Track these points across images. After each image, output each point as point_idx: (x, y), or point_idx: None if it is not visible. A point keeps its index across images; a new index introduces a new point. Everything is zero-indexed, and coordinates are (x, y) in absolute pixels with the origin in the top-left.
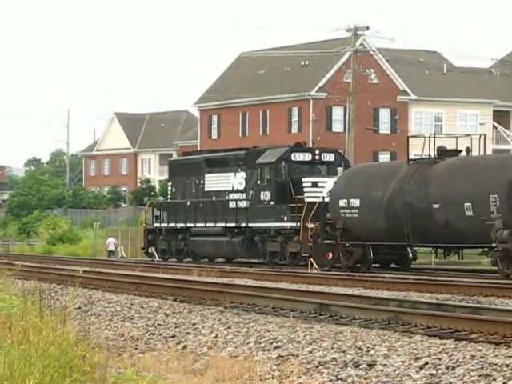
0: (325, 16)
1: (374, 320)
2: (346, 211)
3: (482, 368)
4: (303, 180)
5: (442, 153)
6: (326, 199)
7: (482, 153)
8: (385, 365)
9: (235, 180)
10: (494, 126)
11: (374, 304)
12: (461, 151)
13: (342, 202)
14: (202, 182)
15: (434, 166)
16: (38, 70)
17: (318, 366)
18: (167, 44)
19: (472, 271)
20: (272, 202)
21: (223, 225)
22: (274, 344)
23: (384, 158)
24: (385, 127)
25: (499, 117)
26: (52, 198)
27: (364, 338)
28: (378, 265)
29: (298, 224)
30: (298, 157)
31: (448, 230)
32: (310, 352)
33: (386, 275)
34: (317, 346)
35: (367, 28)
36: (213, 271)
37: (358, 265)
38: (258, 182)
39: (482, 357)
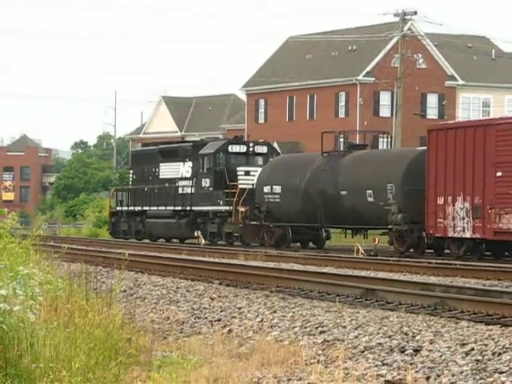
0: (372, 0)
1: (420, 305)
2: (270, 196)
3: None
4: (237, 169)
5: (351, 147)
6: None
7: None
8: (430, 350)
9: (184, 169)
10: None
11: (420, 289)
12: (367, 145)
13: (266, 189)
14: (157, 170)
15: (342, 159)
16: (86, 54)
17: (363, 351)
18: (215, 28)
19: None
20: (211, 188)
21: (172, 208)
22: (320, 329)
23: None
24: (432, 112)
25: None
26: (99, 181)
27: (410, 324)
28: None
29: (232, 207)
30: (234, 148)
31: (354, 214)
32: (356, 337)
33: (433, 260)
34: (362, 331)
35: (415, 13)
36: (259, 255)
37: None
38: (200, 170)
39: None
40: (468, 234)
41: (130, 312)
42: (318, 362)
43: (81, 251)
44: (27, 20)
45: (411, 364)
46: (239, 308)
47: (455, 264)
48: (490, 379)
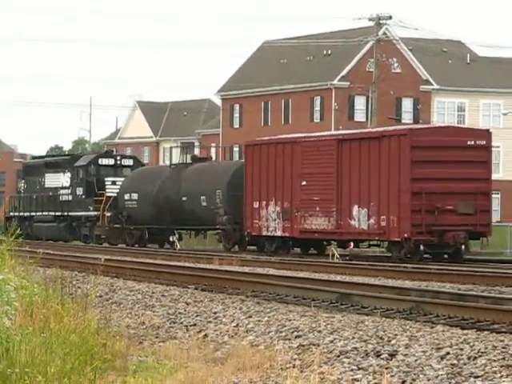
0: (347, 5)
1: (396, 310)
2: (129, 203)
3: (504, 358)
4: (105, 179)
5: (194, 159)
6: None
7: None
8: (406, 354)
9: (64, 179)
10: None
11: (396, 294)
12: (208, 158)
13: (127, 196)
14: (43, 180)
15: (186, 169)
16: (62, 59)
17: (339, 356)
18: (189, 32)
19: (495, 262)
20: (83, 196)
21: (54, 213)
22: (295, 333)
23: None
24: (407, 117)
25: None
26: None
27: (385, 328)
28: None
29: (99, 213)
30: (104, 161)
31: (192, 216)
32: (332, 341)
33: (408, 265)
34: (338, 335)
35: (390, 17)
36: (234, 260)
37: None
38: (75, 180)
39: (503, 347)
40: (279, 233)
41: (105, 317)
42: (293, 367)
43: (56, 256)
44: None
45: (387, 368)
46: (215, 313)
47: (430, 269)
48: (466, 383)
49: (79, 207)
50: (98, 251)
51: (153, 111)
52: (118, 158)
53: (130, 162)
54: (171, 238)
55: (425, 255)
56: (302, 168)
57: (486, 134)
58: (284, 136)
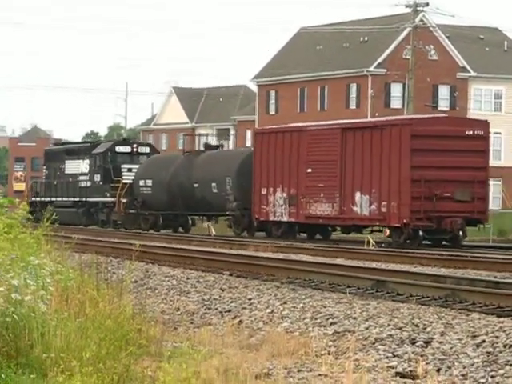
0: None
1: (431, 297)
2: (144, 189)
3: None
4: (122, 166)
5: (206, 147)
6: None
7: None
8: (441, 342)
9: (83, 165)
10: None
11: (431, 281)
12: (219, 146)
13: (141, 182)
14: (63, 166)
15: (198, 157)
16: (98, 45)
17: (374, 343)
18: (226, 18)
19: None
20: (101, 183)
21: (73, 199)
22: (330, 320)
23: None
24: (444, 104)
25: None
26: None
27: (421, 315)
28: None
29: (116, 199)
30: (121, 149)
31: (204, 202)
32: (367, 328)
33: (444, 252)
34: (373, 322)
35: (427, 4)
36: (269, 246)
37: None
38: (93, 167)
39: None
40: (285, 219)
41: (140, 303)
42: (328, 354)
43: (91, 242)
44: (36, 11)
45: (422, 356)
46: (249, 299)
47: (466, 256)
48: (501, 371)
49: (97, 193)
50: (133, 237)
51: (189, 97)
52: (135, 145)
53: (146, 149)
54: (205, 225)
55: (425, 241)
56: (307, 156)
57: (484, 124)
58: (291, 125)
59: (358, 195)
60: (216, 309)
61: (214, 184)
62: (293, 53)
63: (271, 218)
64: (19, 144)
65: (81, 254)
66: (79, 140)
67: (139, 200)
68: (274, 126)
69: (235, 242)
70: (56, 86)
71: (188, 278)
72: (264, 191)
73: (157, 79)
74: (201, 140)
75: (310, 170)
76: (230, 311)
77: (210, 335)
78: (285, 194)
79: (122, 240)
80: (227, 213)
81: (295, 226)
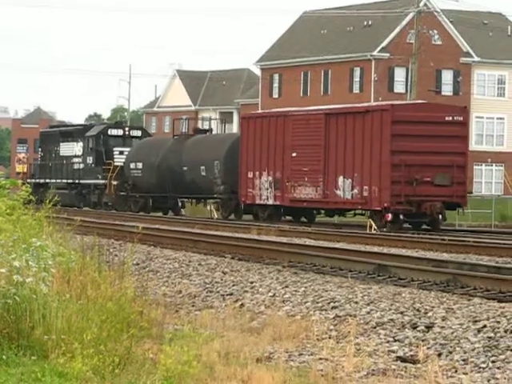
0: None
1: (433, 282)
2: (134, 171)
3: None
4: (114, 149)
5: (195, 131)
6: None
7: None
8: (443, 327)
9: (77, 148)
10: None
11: (433, 266)
12: (208, 130)
13: (132, 165)
14: (58, 148)
15: (187, 141)
16: (101, 27)
17: (375, 327)
18: (230, 2)
19: None
20: (93, 165)
21: (66, 181)
22: (332, 304)
23: None
24: (447, 89)
25: None
26: None
27: (422, 300)
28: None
29: (107, 181)
30: (113, 132)
31: (193, 186)
32: (368, 313)
33: (446, 237)
34: (375, 306)
35: None
36: (271, 230)
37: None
38: (86, 149)
39: None
40: (271, 202)
41: (142, 285)
42: (329, 338)
43: (93, 224)
44: None
45: (423, 340)
46: (251, 282)
47: (468, 241)
48: (502, 356)
49: (89, 175)
50: (135, 219)
51: (192, 80)
52: (127, 128)
53: (138, 132)
54: (208, 207)
55: (406, 225)
56: (292, 140)
57: (464, 110)
58: (276, 110)
59: (340, 179)
60: (218, 292)
61: (202, 167)
62: (296, 36)
63: (257, 202)
64: (22, 125)
65: (83, 236)
66: (82, 122)
67: (130, 182)
68: (260, 111)
69: (239, 226)
70: (60, 67)
71: (190, 261)
72: (250, 175)
73: (161, 62)
74: (204, 122)
75: (294, 155)
76: (231, 294)
77: (211, 318)
78: (270, 178)
79: (125, 222)
80: (215, 196)
81: (280, 209)
